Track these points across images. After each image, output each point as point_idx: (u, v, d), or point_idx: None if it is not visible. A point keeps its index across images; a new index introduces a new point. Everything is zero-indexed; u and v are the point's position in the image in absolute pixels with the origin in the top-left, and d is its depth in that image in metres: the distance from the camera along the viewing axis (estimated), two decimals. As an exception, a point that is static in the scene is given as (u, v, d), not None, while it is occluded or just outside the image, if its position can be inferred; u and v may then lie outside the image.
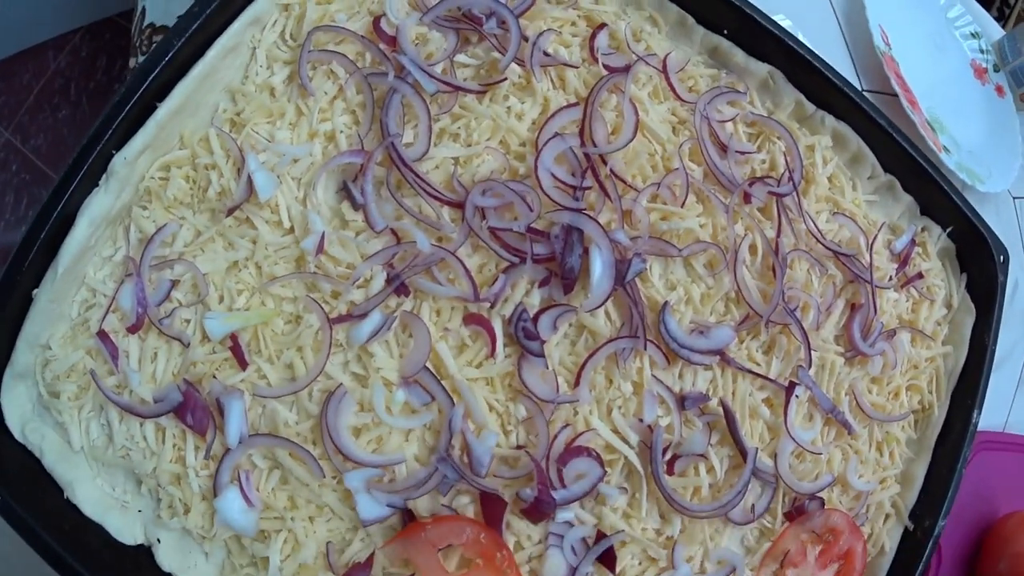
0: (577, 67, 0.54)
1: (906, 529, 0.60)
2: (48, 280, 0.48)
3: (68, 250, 0.48)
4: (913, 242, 0.63)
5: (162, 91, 0.50)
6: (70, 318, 0.50)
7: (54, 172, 1.05)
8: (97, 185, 0.49)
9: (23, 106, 1.00)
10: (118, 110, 0.49)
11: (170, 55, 0.50)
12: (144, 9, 0.74)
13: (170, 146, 0.52)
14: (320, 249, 0.48)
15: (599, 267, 0.49)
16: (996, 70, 0.82)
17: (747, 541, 0.55)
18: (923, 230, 0.65)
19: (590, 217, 0.49)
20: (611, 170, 0.52)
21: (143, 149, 0.50)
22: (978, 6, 0.84)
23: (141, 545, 0.49)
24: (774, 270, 0.55)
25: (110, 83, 1.02)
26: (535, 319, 0.49)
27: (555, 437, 0.49)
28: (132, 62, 0.75)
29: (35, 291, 0.48)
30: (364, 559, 0.47)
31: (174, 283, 0.50)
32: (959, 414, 0.62)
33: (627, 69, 0.54)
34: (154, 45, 0.71)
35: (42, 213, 0.49)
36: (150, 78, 0.49)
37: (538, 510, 0.47)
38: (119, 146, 0.49)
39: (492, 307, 0.49)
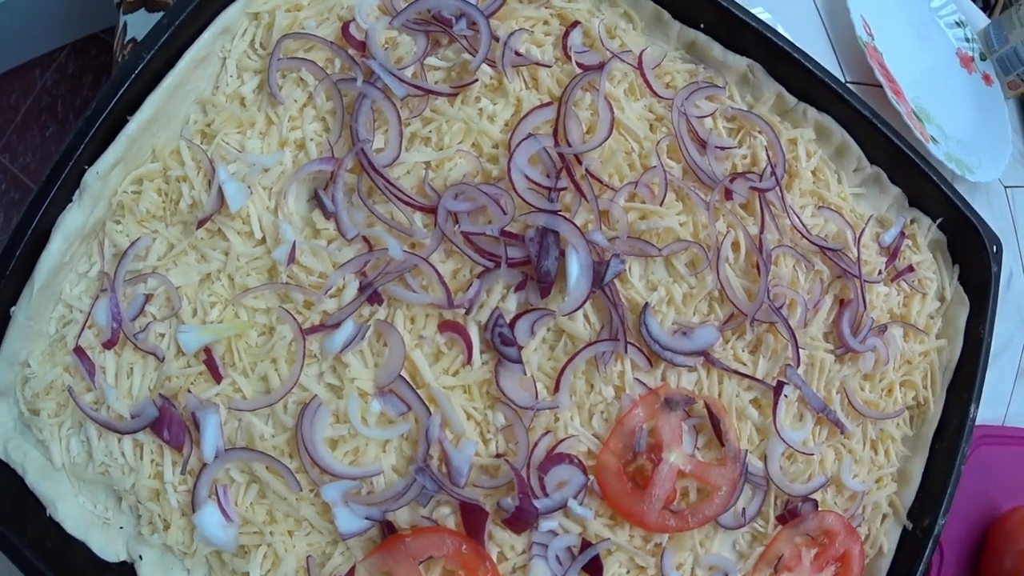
0: (550, 66, 0.52)
1: (905, 528, 0.57)
2: (25, 297, 0.47)
3: (44, 266, 0.47)
4: (902, 234, 0.61)
5: (133, 104, 0.49)
6: (48, 335, 0.49)
7: (44, 191, 1.05)
8: (71, 200, 0.48)
9: (11, 125, 1.00)
10: (89, 125, 0.48)
11: (140, 68, 0.49)
12: (126, 24, 0.73)
13: (142, 159, 0.50)
14: (292, 259, 0.47)
15: (576, 269, 0.47)
16: (983, 59, 0.80)
17: (739, 546, 0.53)
18: (912, 222, 0.62)
19: (565, 218, 0.47)
20: (587, 170, 0.50)
21: (115, 163, 0.48)
22: (963, -7, 0.81)
23: (124, 562, 0.48)
24: (758, 267, 0.53)
25: (97, 100, 1.01)
26: (512, 324, 0.47)
27: (536, 444, 0.47)
28: (116, 78, 0.74)
29: (13, 309, 0.47)
30: (345, 573, 0.45)
31: (148, 297, 0.48)
32: (956, 408, 0.59)
33: (601, 67, 0.52)
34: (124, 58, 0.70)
35: (17, 230, 0.47)
36: (120, 91, 0.48)
37: (520, 520, 0.45)
38: (91, 161, 0.48)
39: (467, 313, 0.47)
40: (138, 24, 0.72)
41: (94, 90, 0.95)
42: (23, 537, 0.45)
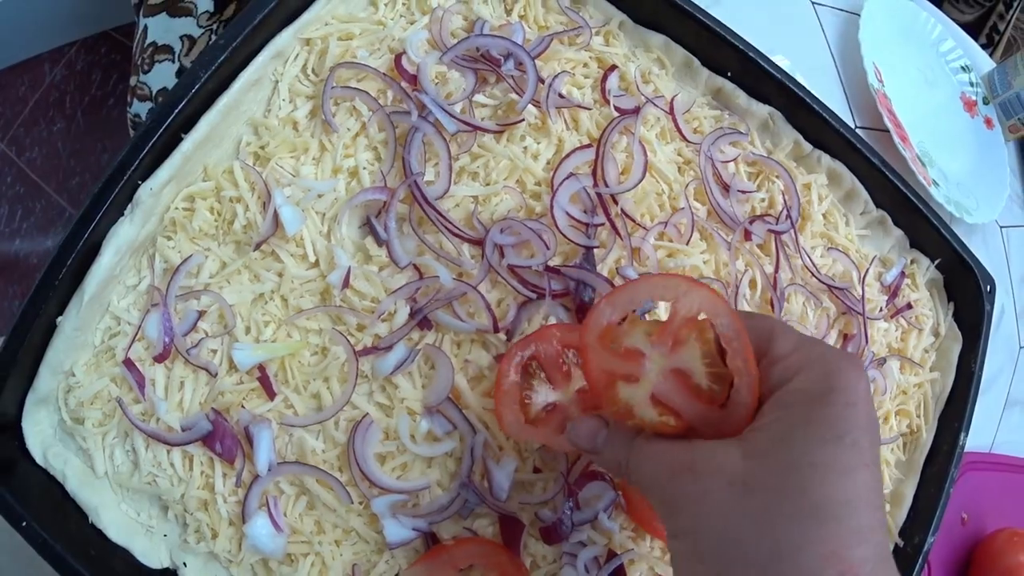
0: (590, 108, 0.62)
1: (897, 545, 0.69)
2: (74, 308, 0.53)
3: (94, 278, 0.52)
4: (903, 274, 0.73)
5: (186, 123, 0.55)
6: (93, 345, 0.55)
7: (48, 185, 1.10)
8: (122, 214, 0.54)
9: (19, 118, 1.05)
10: (145, 140, 0.54)
11: (196, 87, 0.55)
12: (146, 28, 0.80)
13: (193, 177, 0.57)
14: (346, 283, 0.55)
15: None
16: (985, 103, 0.93)
17: (747, 559, 0.64)
18: (912, 262, 0.74)
19: (590, 270, 0.57)
20: (621, 209, 0.60)
21: (168, 180, 0.54)
22: (969, 40, 0.95)
23: (167, 568, 0.55)
24: (772, 304, 0.64)
25: (105, 98, 1.07)
26: (551, 351, 0.56)
27: (572, 463, 0.56)
28: (133, 80, 0.80)
29: (59, 318, 0.53)
30: (388, 580, 0.54)
31: (200, 314, 0.56)
32: (946, 436, 0.71)
33: (637, 111, 0.62)
34: (157, 64, 0.76)
35: (68, 241, 0.53)
36: (176, 110, 0.54)
37: (556, 532, 0.55)
38: (144, 176, 0.54)
39: (509, 339, 0.56)
40: (159, 28, 0.79)
41: (102, 88, 1.01)
42: (66, 543, 0.52)
